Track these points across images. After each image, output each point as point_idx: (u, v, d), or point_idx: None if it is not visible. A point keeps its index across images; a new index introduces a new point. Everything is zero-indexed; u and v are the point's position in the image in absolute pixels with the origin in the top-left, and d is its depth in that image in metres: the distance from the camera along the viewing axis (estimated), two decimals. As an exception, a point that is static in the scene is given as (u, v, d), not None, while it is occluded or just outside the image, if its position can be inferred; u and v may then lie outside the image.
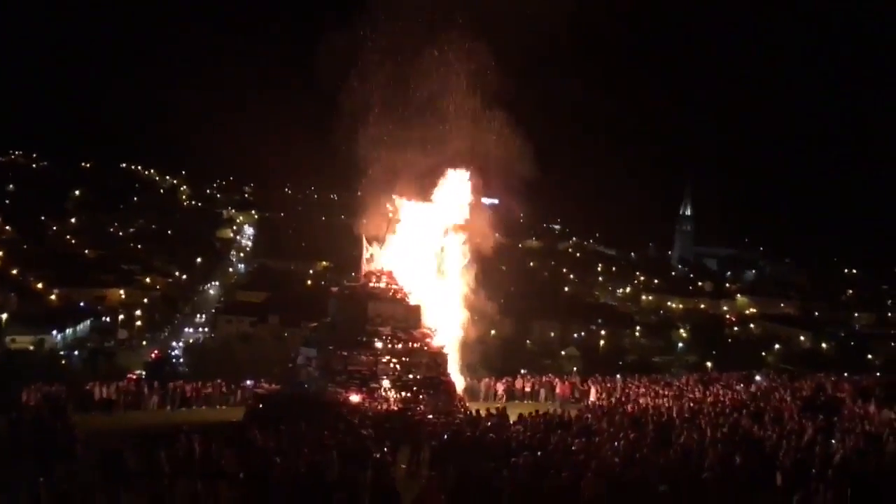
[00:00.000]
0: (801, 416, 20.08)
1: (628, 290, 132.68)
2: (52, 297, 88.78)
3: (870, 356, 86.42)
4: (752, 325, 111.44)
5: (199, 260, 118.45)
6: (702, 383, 32.38)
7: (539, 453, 15.30)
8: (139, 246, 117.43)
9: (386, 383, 26.15)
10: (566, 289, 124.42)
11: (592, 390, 31.42)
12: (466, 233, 32.26)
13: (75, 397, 27.08)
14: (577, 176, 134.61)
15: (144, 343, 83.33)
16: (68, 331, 78.02)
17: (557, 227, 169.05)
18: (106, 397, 28.01)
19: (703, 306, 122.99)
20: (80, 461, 15.09)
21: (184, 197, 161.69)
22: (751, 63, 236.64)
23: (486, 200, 34.68)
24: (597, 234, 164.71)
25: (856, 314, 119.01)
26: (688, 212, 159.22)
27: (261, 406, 24.98)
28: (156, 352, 73.92)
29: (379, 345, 27.10)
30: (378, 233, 30.84)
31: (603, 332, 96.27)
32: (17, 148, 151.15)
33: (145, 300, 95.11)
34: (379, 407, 24.37)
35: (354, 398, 24.91)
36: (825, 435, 16.30)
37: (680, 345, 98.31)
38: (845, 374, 38.15)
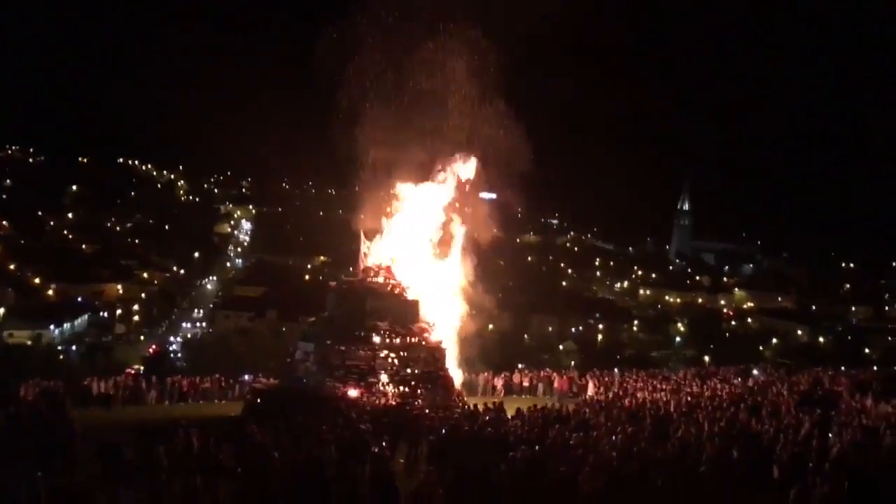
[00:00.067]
0: (798, 410, 20.11)
1: (626, 284, 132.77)
2: (50, 291, 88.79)
3: (867, 350, 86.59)
4: (749, 320, 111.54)
5: (196, 255, 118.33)
6: (699, 377, 32.45)
7: (537, 447, 15.31)
8: (136, 241, 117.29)
9: (384, 378, 26.22)
10: (564, 283, 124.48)
11: (590, 385, 31.50)
12: (463, 215, 32.39)
13: (73, 392, 27.11)
14: (575, 170, 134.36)
15: (142, 338, 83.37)
16: (66, 326, 78.07)
17: (555, 221, 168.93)
18: (104, 392, 28.05)
19: (700, 301, 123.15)
20: (79, 456, 15.09)
21: (181, 192, 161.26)
22: (749, 60, 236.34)
23: (484, 195, 34.72)
24: (595, 229, 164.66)
25: (853, 308, 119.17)
26: (685, 206, 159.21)
27: (259, 401, 25.02)
28: (154, 347, 73.88)
29: (377, 339, 27.15)
30: (377, 223, 31.01)
31: (601, 327, 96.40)
32: (14, 143, 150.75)
33: (143, 295, 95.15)
34: (377, 401, 24.42)
35: (353, 393, 24.97)
36: (822, 429, 16.32)
37: (677, 339, 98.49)
38: (842, 368, 38.20)
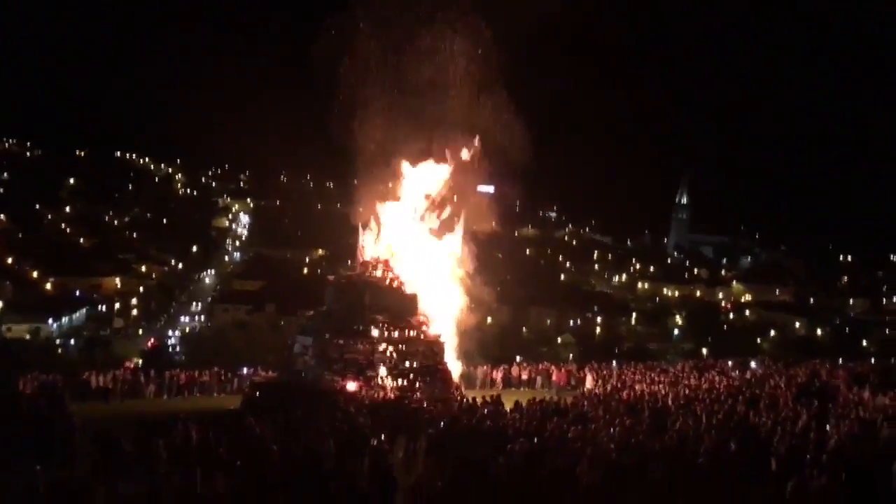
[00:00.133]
0: (795, 402, 20.16)
1: (624, 277, 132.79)
2: (48, 285, 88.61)
3: (864, 343, 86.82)
4: (747, 312, 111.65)
5: (194, 248, 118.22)
6: (697, 370, 32.56)
7: (535, 440, 15.34)
8: (134, 234, 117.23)
9: (383, 371, 26.26)
10: (562, 277, 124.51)
11: (588, 377, 31.56)
12: (461, 194, 32.38)
13: (72, 386, 27.11)
14: (573, 164, 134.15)
15: (140, 332, 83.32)
16: (64, 319, 77.93)
17: (553, 214, 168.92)
18: (102, 386, 28.07)
19: (698, 294, 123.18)
20: (78, 450, 15.10)
21: (179, 185, 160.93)
22: (749, 59, 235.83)
23: (482, 188, 34.71)
24: (593, 222, 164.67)
25: (851, 301, 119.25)
26: (683, 200, 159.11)
27: (257, 394, 25.03)
28: (152, 340, 73.89)
29: (375, 333, 27.18)
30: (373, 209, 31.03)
31: (599, 320, 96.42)
32: (11, 136, 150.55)
33: (141, 289, 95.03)
34: (376, 395, 24.43)
35: (351, 386, 24.98)
36: (820, 421, 16.36)
37: (675, 332, 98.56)
38: (840, 361, 38.35)
